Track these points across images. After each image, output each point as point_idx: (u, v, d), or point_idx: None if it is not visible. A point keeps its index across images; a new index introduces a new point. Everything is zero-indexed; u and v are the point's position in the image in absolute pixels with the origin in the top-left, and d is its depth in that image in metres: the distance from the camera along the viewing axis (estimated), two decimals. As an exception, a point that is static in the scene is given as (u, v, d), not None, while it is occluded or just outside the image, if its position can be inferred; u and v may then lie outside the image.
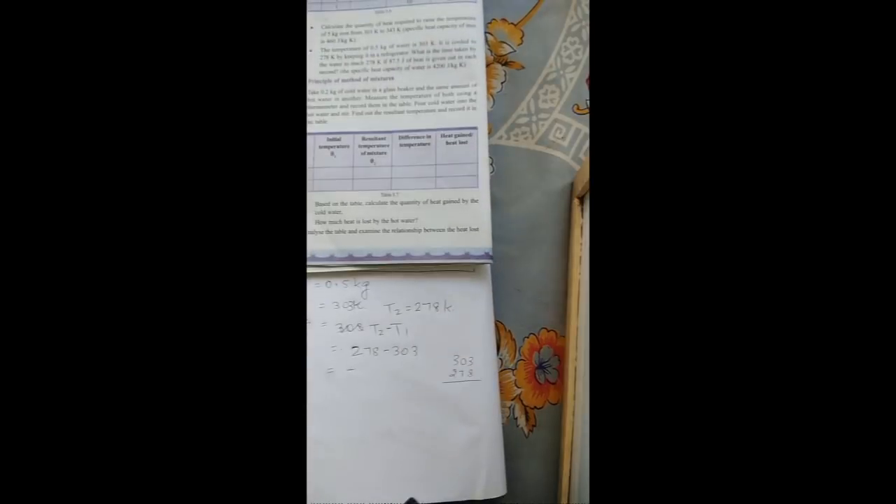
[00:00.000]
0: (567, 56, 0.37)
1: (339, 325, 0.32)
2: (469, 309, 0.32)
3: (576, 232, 0.33)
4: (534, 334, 0.33)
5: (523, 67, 0.37)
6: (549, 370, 0.33)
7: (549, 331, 0.33)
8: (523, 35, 0.37)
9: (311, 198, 0.34)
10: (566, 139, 0.36)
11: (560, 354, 0.33)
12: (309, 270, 0.33)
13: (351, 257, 0.33)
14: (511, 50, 0.37)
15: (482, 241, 0.32)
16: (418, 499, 0.30)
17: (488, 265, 0.33)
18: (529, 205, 0.35)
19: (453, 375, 0.31)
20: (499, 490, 0.30)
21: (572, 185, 0.35)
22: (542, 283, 0.34)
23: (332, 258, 0.33)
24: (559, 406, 0.32)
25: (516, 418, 0.32)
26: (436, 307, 0.32)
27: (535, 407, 0.33)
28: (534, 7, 0.38)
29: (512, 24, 0.38)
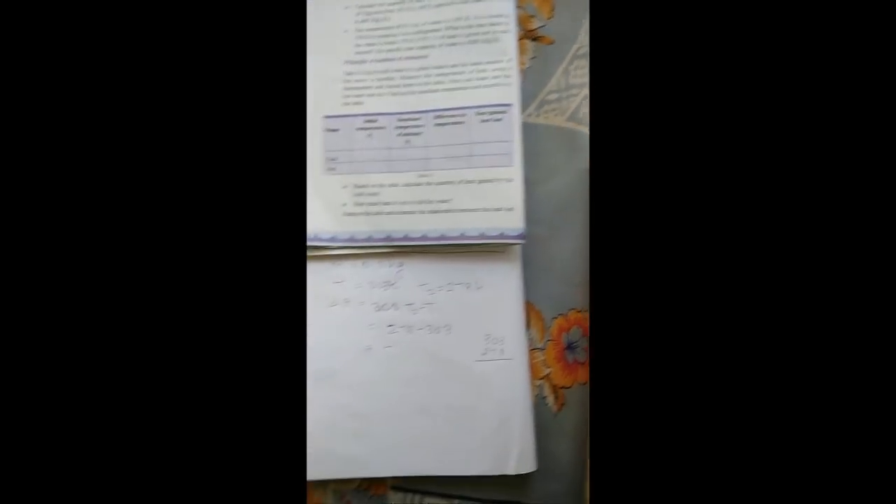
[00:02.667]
0: (603, 27, 0.31)
1: (375, 304, 0.30)
2: (500, 289, 0.29)
3: (609, 212, 0.29)
4: (563, 315, 0.30)
5: (553, 42, 0.32)
6: (578, 350, 0.30)
7: (578, 311, 0.30)
8: (553, 9, 0.32)
9: (351, 180, 0.31)
10: (601, 115, 0.31)
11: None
12: (347, 252, 0.30)
13: (388, 238, 0.30)
14: (541, 24, 0.32)
15: (516, 220, 0.29)
16: (452, 472, 0.28)
17: (519, 245, 0.29)
18: (559, 184, 0.31)
19: (485, 354, 0.29)
20: (529, 466, 0.28)
21: (607, 163, 0.30)
22: (572, 264, 0.30)
23: (370, 239, 0.30)
24: (588, 386, 0.29)
25: (545, 397, 0.30)
26: (467, 287, 0.29)
27: (564, 387, 0.30)
28: (565, -22, 0.32)
29: (543, -4, 0.32)
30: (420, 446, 0.28)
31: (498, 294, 0.29)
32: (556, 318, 0.30)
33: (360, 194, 0.31)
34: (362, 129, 0.31)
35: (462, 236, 0.29)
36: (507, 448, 0.28)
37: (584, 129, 0.31)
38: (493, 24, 0.31)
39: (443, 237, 0.29)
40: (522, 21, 0.32)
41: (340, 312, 0.30)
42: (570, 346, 0.30)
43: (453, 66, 0.31)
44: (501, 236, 0.29)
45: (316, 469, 0.29)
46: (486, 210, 0.29)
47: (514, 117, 0.30)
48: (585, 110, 0.31)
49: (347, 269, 0.30)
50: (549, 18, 0.32)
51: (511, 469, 0.28)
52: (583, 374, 0.30)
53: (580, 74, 0.32)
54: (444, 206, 0.30)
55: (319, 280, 0.30)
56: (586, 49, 0.32)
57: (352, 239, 0.30)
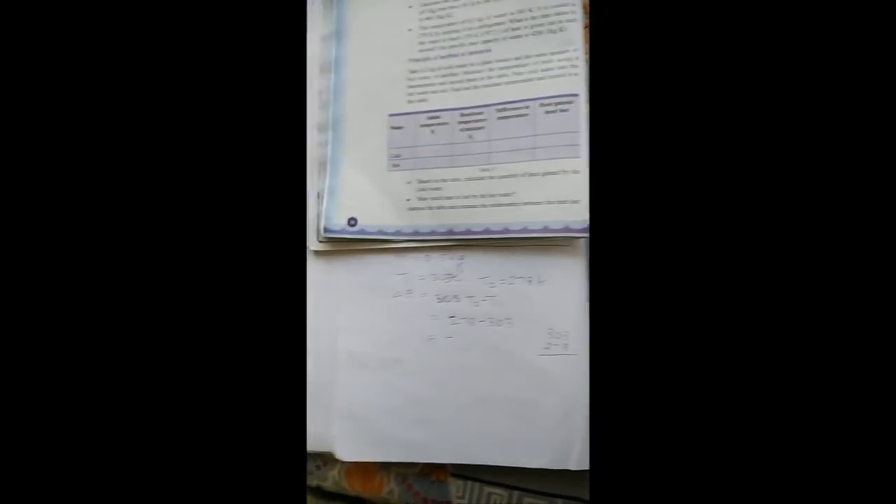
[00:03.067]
0: (679, 9, 0.29)
1: (437, 295, 0.30)
2: (563, 283, 0.29)
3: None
4: (631, 310, 0.29)
5: (625, 28, 0.30)
6: (647, 348, 0.28)
7: (648, 307, 0.28)
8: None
9: (414, 175, 0.31)
10: (674, 103, 0.29)
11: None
12: (411, 245, 0.31)
13: (451, 232, 0.30)
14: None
15: (581, 213, 0.28)
16: (513, 463, 0.28)
17: (584, 239, 0.28)
18: (630, 176, 0.29)
19: (548, 348, 0.28)
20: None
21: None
22: (642, 258, 0.29)
23: (433, 233, 0.30)
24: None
25: (610, 394, 0.28)
26: (529, 281, 0.29)
27: (631, 384, 0.28)
28: (641, -42, 0.30)
29: (615, -20, 0.31)
30: (481, 436, 0.29)
31: (562, 288, 0.29)
32: (621, 313, 0.29)
33: (423, 189, 0.31)
34: (426, 125, 0.32)
35: (525, 230, 0.29)
36: (570, 443, 0.27)
37: (655, 118, 0.30)
38: (558, 14, 0.30)
39: (505, 230, 0.29)
40: (587, 10, 0.31)
41: (404, 303, 0.31)
42: (636, 344, 0.29)
43: (517, 58, 0.31)
44: (566, 229, 0.28)
45: (379, 452, 0.30)
46: (549, 203, 0.29)
47: (581, 107, 0.29)
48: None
49: (411, 262, 0.31)
50: (617, 4, 0.31)
51: (573, 464, 0.27)
52: (650, 373, 0.28)
53: (651, 61, 0.30)
54: (506, 200, 0.29)
55: (384, 272, 0.31)
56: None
57: (415, 233, 0.31)
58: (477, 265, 0.30)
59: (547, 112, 0.29)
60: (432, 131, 0.31)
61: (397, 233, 0.31)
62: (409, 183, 0.31)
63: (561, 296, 0.29)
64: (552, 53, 0.30)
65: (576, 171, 0.28)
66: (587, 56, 0.30)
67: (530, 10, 0.31)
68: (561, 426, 0.28)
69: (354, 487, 0.31)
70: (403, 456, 0.29)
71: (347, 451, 0.30)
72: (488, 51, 0.31)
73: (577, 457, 0.27)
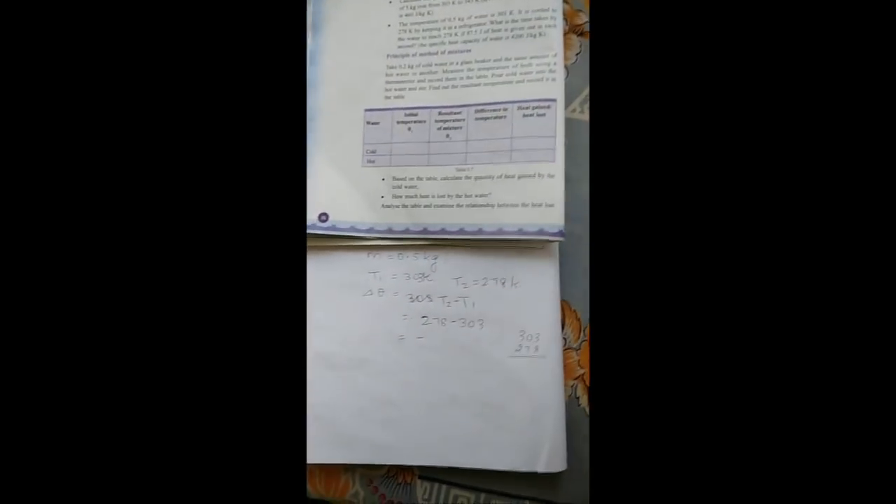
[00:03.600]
0: (655, 21, 0.30)
1: (409, 295, 0.30)
2: (536, 286, 0.29)
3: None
4: (601, 314, 0.29)
5: (602, 36, 0.31)
6: (616, 351, 0.29)
7: (617, 312, 0.29)
8: (604, 2, 0.31)
9: (389, 172, 0.31)
10: (648, 112, 0.30)
11: (628, 335, 0.29)
12: (384, 243, 0.30)
13: (425, 231, 0.30)
14: (587, 20, 0.31)
15: (556, 217, 0.28)
16: (481, 465, 0.28)
17: (557, 243, 0.28)
18: (603, 182, 0.30)
19: (519, 350, 0.28)
20: (560, 465, 0.27)
21: (652, 161, 0.29)
22: (613, 263, 0.29)
23: (407, 231, 0.30)
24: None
25: (578, 397, 0.29)
26: (502, 283, 0.29)
27: (599, 387, 0.29)
28: (619, -31, 0.31)
29: (591, -10, 0.31)
30: (449, 437, 0.28)
31: (534, 291, 0.29)
32: (592, 317, 0.29)
33: (398, 186, 0.30)
34: (403, 122, 0.31)
35: (500, 231, 0.29)
36: (538, 445, 0.27)
37: (629, 127, 0.30)
38: (539, 19, 0.30)
39: (480, 231, 0.29)
40: (568, 16, 0.31)
41: (375, 302, 0.30)
42: (605, 347, 0.29)
43: (496, 60, 0.30)
44: (540, 233, 0.28)
45: (344, 454, 0.29)
46: (525, 206, 0.29)
47: (558, 113, 0.29)
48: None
49: (384, 260, 0.30)
50: (596, 12, 0.31)
51: (541, 467, 0.27)
52: (618, 376, 0.29)
53: (627, 70, 0.31)
54: (482, 201, 0.29)
55: (355, 269, 0.30)
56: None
57: (389, 231, 0.30)
58: (450, 265, 0.30)
59: (524, 115, 0.29)
60: (409, 128, 0.31)
61: (370, 230, 0.30)
62: (383, 180, 0.31)
63: (533, 298, 0.29)
64: (532, 57, 0.30)
65: (551, 175, 0.28)
66: (567, 62, 0.31)
67: (511, 13, 0.31)
68: (530, 428, 0.28)
69: (317, 490, 0.30)
70: (370, 458, 0.29)
71: (313, 453, 0.29)
72: (468, 51, 0.31)
73: (545, 459, 0.27)
